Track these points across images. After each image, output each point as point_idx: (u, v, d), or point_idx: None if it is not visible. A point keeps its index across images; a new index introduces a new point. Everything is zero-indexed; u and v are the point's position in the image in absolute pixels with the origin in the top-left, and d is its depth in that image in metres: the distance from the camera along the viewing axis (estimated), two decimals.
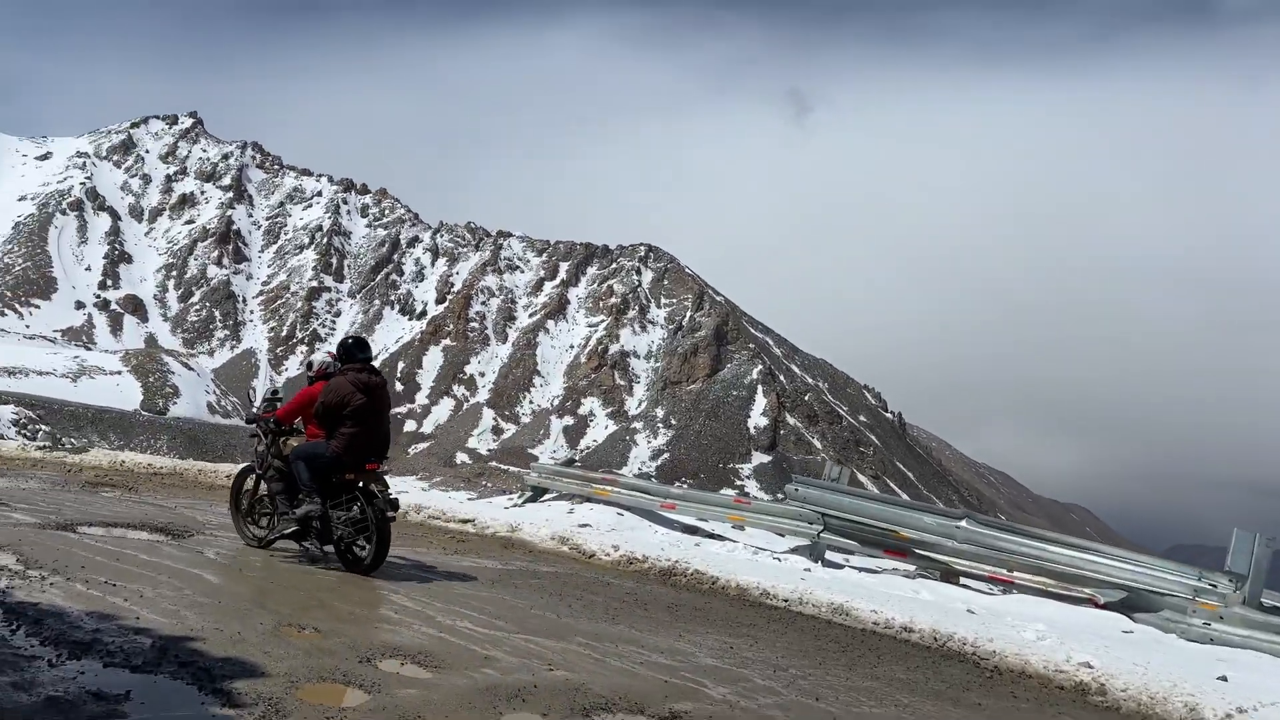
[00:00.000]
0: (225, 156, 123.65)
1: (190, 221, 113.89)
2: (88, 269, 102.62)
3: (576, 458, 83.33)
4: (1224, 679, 7.35)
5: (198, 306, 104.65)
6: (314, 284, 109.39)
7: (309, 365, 8.75)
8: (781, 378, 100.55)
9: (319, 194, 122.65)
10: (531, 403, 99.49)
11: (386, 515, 7.79)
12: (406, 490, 17.89)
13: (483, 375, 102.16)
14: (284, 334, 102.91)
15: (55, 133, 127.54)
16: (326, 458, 7.85)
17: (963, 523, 11.15)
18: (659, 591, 9.19)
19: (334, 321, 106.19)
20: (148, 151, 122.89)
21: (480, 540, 11.40)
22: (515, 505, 15.36)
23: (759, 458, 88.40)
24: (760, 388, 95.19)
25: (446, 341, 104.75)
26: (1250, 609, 9.27)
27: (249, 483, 8.75)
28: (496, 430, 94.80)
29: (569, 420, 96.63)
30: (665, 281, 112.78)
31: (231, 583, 6.87)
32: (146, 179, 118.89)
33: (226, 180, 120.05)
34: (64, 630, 4.87)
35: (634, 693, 5.29)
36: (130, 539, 7.95)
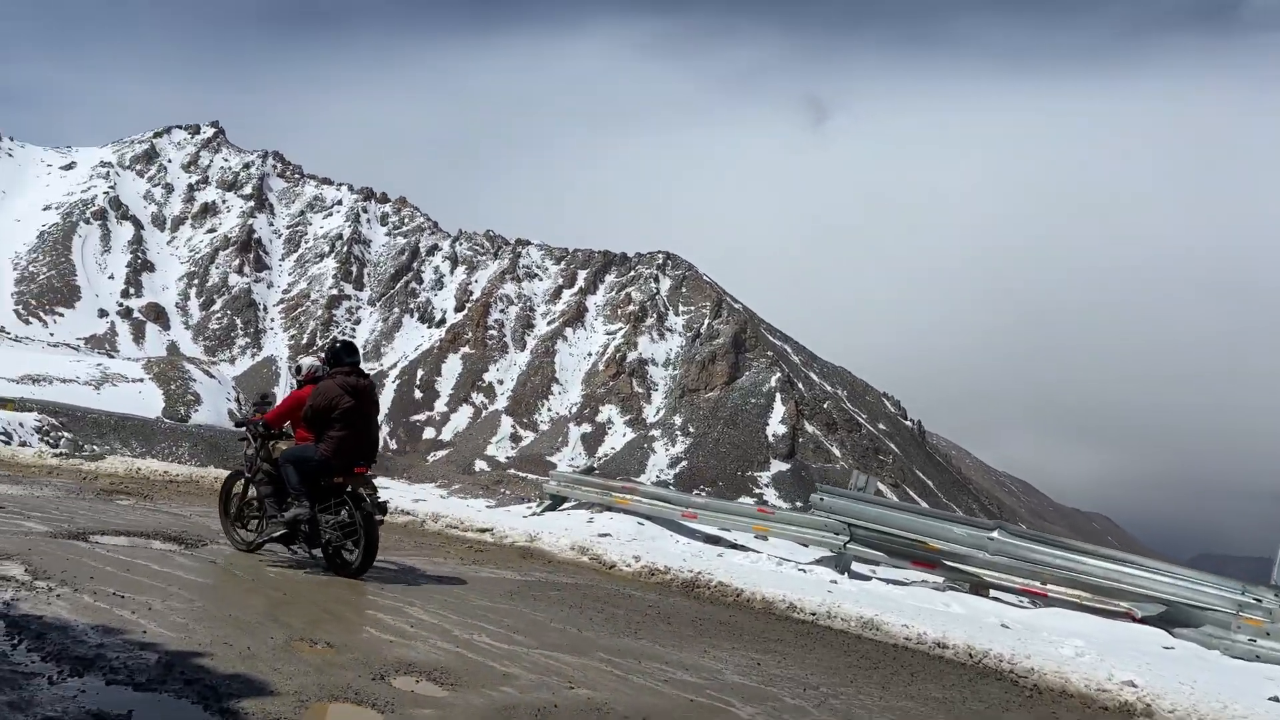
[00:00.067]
0: (246, 166, 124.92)
1: (212, 230, 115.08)
2: (111, 277, 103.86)
3: (595, 465, 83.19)
4: (1276, 699, 7.02)
5: (219, 314, 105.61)
6: (334, 292, 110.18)
7: (297, 369, 8.65)
8: (800, 385, 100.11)
9: (339, 203, 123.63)
10: (550, 410, 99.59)
11: (375, 519, 7.71)
12: (425, 498, 17.72)
13: (501, 383, 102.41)
14: (304, 342, 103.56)
15: (79, 143, 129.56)
16: (315, 461, 7.77)
17: (995, 533, 10.82)
18: (682, 604, 8.94)
19: (354, 329, 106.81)
20: (170, 161, 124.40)
21: (498, 550, 11.20)
22: (534, 514, 15.14)
23: (777, 466, 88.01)
24: (779, 395, 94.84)
25: (465, 349, 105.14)
26: None
27: (238, 487, 8.63)
28: (515, 438, 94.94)
29: (587, 428, 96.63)
30: (683, 289, 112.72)
31: (244, 595, 6.69)
32: (169, 188, 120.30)
33: (248, 189, 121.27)
34: (67, 645, 4.69)
35: (658, 712, 5.06)
36: (142, 549, 7.80)
